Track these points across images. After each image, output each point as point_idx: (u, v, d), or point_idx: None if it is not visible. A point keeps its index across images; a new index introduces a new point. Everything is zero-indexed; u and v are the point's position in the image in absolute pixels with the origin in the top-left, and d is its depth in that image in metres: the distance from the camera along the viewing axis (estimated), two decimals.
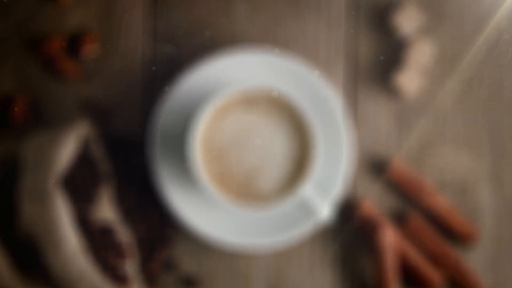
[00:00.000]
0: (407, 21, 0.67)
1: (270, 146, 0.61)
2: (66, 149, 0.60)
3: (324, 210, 0.60)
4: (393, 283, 0.65)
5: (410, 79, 0.67)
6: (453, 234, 0.68)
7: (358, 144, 0.69)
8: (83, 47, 0.67)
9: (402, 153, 0.69)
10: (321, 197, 0.63)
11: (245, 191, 0.61)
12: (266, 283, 0.68)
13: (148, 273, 0.66)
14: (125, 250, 0.63)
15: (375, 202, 0.69)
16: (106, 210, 0.64)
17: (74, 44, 0.68)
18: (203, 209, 0.65)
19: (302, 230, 0.64)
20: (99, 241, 0.62)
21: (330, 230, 0.68)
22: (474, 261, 0.69)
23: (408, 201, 0.69)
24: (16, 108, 0.67)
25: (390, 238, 0.65)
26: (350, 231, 0.69)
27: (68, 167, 0.62)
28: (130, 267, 0.64)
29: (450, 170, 0.69)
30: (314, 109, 0.63)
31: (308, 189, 0.61)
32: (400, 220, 0.69)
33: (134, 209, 0.66)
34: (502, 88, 0.69)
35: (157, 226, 0.66)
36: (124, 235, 0.64)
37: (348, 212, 0.68)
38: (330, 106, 0.64)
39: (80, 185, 0.62)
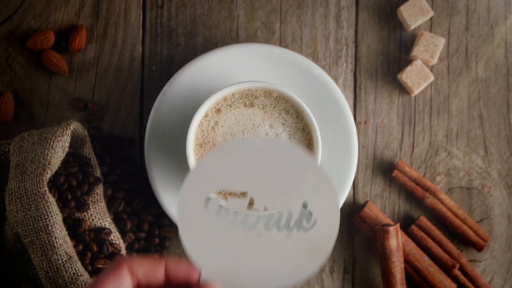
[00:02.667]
0: (414, 16, 0.66)
1: None
2: (58, 150, 0.58)
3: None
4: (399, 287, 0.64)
5: (417, 77, 0.66)
6: (463, 239, 0.66)
7: (363, 145, 0.67)
8: (74, 42, 0.66)
9: (410, 154, 0.67)
10: None
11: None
12: None
13: None
14: (119, 253, 0.61)
15: (382, 204, 0.67)
16: (99, 213, 0.62)
17: (65, 39, 0.66)
18: None
19: None
20: (92, 245, 0.60)
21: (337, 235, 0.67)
22: (485, 266, 0.67)
23: (417, 204, 0.67)
24: (3, 105, 0.65)
25: (396, 242, 0.63)
26: (357, 235, 0.67)
27: (60, 169, 0.60)
28: None
29: (461, 172, 0.67)
30: (315, 108, 0.62)
31: None
32: (408, 223, 0.67)
33: (129, 211, 0.65)
34: None
35: (153, 229, 0.65)
36: (118, 238, 0.62)
37: (354, 215, 0.67)
38: (331, 106, 0.63)
39: (72, 187, 0.61)
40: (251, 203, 0.49)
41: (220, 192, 0.49)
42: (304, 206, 0.49)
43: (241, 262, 0.48)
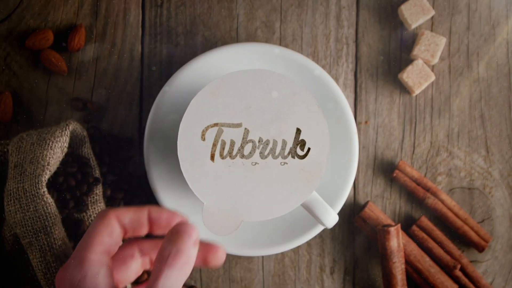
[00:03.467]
0: (414, 15, 0.65)
1: None
2: (57, 151, 0.58)
3: (330, 215, 0.58)
4: None
5: (418, 77, 0.65)
6: (464, 239, 0.66)
7: (363, 145, 0.67)
8: (73, 42, 0.65)
9: (411, 154, 0.67)
10: (326, 201, 0.60)
11: None
12: None
13: (143, 278, 0.64)
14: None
15: (382, 205, 0.67)
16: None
17: (64, 39, 0.66)
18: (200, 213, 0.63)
19: (307, 235, 0.62)
20: None
21: (336, 235, 0.67)
22: (486, 267, 0.67)
23: (418, 205, 0.67)
24: (2, 104, 0.65)
25: (397, 242, 0.63)
26: (358, 236, 0.67)
27: (58, 169, 0.60)
28: None
29: (462, 172, 0.67)
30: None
31: (313, 193, 0.59)
32: (409, 224, 0.67)
33: None
34: None
35: None
36: None
37: (354, 216, 0.67)
38: (332, 105, 0.62)
39: (71, 188, 0.60)
40: (246, 133, 0.51)
41: (216, 124, 0.51)
42: (298, 134, 0.51)
43: (240, 193, 0.50)
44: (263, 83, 0.52)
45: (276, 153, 0.52)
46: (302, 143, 0.51)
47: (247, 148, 0.51)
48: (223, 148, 0.52)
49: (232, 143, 0.51)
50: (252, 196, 0.51)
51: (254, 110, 0.51)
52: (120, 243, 0.48)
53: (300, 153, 0.52)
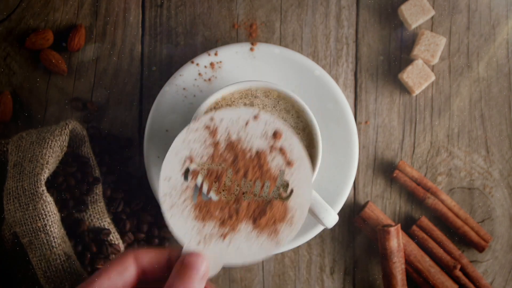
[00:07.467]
0: (415, 15, 0.65)
1: None
2: (56, 150, 0.58)
3: (330, 215, 0.58)
4: None
5: (418, 77, 0.65)
6: (464, 239, 0.66)
7: (363, 145, 0.67)
8: (73, 42, 0.65)
9: (411, 154, 0.67)
10: (326, 201, 0.60)
11: None
12: None
13: None
14: (118, 254, 0.61)
15: (382, 205, 0.67)
16: (98, 213, 0.62)
17: (63, 39, 0.66)
18: None
19: (307, 236, 0.62)
20: (91, 245, 0.60)
21: (336, 235, 0.67)
22: (486, 267, 0.67)
23: (418, 205, 0.67)
24: (2, 104, 0.65)
25: (397, 242, 0.63)
26: (358, 236, 0.67)
27: (58, 168, 0.60)
28: None
29: (462, 172, 0.67)
30: (316, 108, 0.61)
31: (312, 193, 0.59)
32: (409, 224, 0.67)
33: (128, 212, 0.64)
34: None
35: (152, 230, 0.64)
36: (117, 238, 0.62)
37: (354, 216, 0.67)
38: (332, 105, 0.62)
39: (71, 187, 0.60)
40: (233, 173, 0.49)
41: (199, 164, 0.49)
42: (281, 175, 0.49)
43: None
44: (250, 123, 0.49)
45: (260, 194, 0.50)
46: (286, 185, 0.50)
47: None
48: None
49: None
50: (234, 240, 0.49)
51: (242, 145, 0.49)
52: (133, 283, 0.47)
53: (284, 195, 0.50)
